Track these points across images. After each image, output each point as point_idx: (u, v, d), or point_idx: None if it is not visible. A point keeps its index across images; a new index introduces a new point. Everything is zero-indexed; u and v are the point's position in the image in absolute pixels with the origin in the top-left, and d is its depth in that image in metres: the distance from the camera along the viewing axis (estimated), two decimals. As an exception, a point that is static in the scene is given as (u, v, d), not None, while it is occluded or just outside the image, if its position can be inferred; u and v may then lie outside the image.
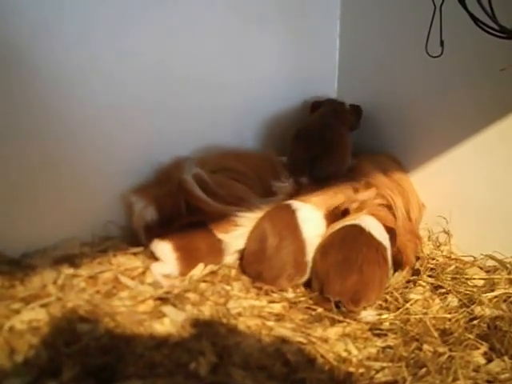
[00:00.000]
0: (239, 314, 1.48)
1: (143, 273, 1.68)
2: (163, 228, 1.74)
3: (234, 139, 2.16)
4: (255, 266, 1.72)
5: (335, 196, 1.87)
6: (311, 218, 1.78)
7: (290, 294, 1.67)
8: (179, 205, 1.76)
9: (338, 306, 1.56)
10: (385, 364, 1.32)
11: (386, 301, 1.67)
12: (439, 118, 2.06)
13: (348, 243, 1.67)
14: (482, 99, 1.89)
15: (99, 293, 1.53)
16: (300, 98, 2.38)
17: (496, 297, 1.68)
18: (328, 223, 1.81)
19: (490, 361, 1.38)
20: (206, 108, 2.05)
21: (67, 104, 1.72)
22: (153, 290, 1.56)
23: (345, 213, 1.83)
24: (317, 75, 2.44)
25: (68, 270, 1.62)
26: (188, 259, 1.72)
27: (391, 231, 1.78)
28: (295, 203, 1.81)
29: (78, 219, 1.83)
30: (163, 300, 1.52)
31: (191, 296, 1.56)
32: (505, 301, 1.66)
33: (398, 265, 1.83)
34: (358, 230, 1.71)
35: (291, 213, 1.76)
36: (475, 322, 1.55)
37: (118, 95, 1.81)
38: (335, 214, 1.82)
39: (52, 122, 1.70)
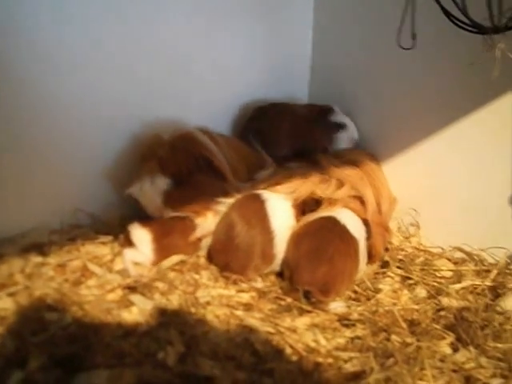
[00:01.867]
0: (208, 304, 1.47)
1: (112, 261, 1.66)
2: (181, 188, 1.76)
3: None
4: (222, 256, 1.71)
5: (304, 184, 1.87)
6: (280, 209, 1.78)
7: (259, 284, 1.67)
8: (189, 159, 1.77)
9: (307, 297, 1.56)
10: (353, 354, 1.32)
11: (355, 292, 1.69)
12: (410, 111, 2.09)
13: (321, 234, 1.68)
14: (453, 92, 1.91)
15: (67, 281, 1.51)
16: (273, 87, 2.40)
17: (463, 288, 1.72)
18: (297, 213, 1.80)
19: (456, 351, 1.40)
20: (178, 97, 2.05)
21: (35, 88, 1.68)
22: (121, 279, 1.55)
23: (318, 203, 1.83)
24: (290, 68, 2.46)
25: (36, 259, 1.60)
26: (164, 253, 1.70)
27: (367, 223, 1.80)
28: (264, 193, 1.80)
29: (46, 207, 1.80)
30: (132, 289, 1.50)
31: (160, 285, 1.54)
32: (471, 292, 1.70)
33: (367, 257, 1.84)
34: (333, 222, 1.72)
35: (260, 203, 1.75)
36: (442, 312, 1.58)
37: (87, 81, 1.79)
38: (306, 204, 1.82)
39: (19, 106, 1.67)
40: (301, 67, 2.50)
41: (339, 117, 2.29)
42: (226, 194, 1.79)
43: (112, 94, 1.86)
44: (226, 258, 1.69)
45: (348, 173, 1.98)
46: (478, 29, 1.47)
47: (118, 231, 1.78)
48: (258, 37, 2.27)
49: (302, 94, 2.54)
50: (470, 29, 1.50)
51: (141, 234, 1.69)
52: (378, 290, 1.68)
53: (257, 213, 1.73)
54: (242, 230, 1.69)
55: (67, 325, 1.29)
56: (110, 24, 1.80)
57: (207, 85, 2.14)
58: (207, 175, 1.80)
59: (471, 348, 1.40)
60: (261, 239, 1.70)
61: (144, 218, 1.75)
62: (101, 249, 1.72)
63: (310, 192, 1.84)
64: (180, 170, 1.75)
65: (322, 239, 1.66)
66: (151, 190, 1.74)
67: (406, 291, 1.71)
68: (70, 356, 1.18)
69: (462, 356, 1.37)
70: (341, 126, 2.28)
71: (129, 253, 1.67)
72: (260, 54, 2.31)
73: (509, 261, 1.84)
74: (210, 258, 1.78)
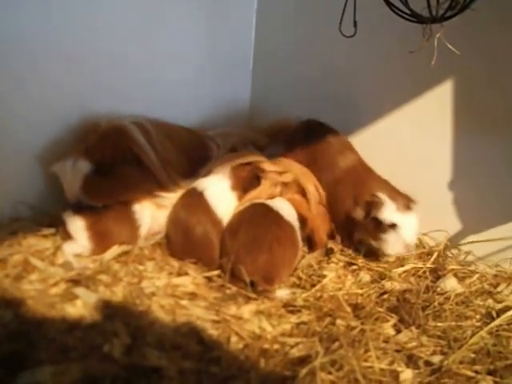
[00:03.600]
0: (153, 294, 1.46)
1: (54, 254, 1.62)
2: (103, 177, 1.71)
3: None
4: (187, 256, 1.70)
5: (242, 157, 1.90)
6: (220, 195, 1.79)
7: (204, 273, 1.66)
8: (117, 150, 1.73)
9: (252, 286, 1.57)
10: (299, 339, 1.35)
11: (300, 279, 1.71)
12: (350, 99, 2.12)
13: (256, 222, 1.69)
14: (393, 80, 1.96)
15: (8, 276, 1.47)
16: (215, 71, 2.38)
17: (405, 271, 1.77)
18: (239, 194, 1.83)
19: (398, 332, 1.46)
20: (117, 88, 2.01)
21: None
22: (64, 272, 1.51)
23: (258, 179, 1.85)
24: (233, 53, 2.45)
25: (-25, 254, 1.54)
26: (100, 239, 1.68)
27: (302, 218, 1.82)
28: (200, 183, 1.82)
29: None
30: (75, 282, 1.47)
31: (104, 277, 1.52)
32: (413, 275, 1.76)
33: (311, 245, 1.87)
34: (266, 208, 1.73)
35: (199, 195, 1.77)
36: (386, 296, 1.62)
37: (30, 69, 1.73)
38: (246, 180, 1.84)
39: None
40: (244, 55, 2.50)
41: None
42: (161, 188, 1.79)
43: (51, 84, 1.80)
44: (192, 257, 1.69)
45: (294, 164, 2.00)
46: (417, 18, 1.50)
47: (60, 223, 1.74)
48: (200, 23, 2.25)
49: (244, 81, 2.55)
50: (409, 18, 1.53)
51: (74, 222, 1.67)
52: (322, 276, 1.71)
53: (200, 206, 1.74)
54: (194, 228, 1.71)
55: (8, 321, 1.25)
56: (50, 14, 1.74)
57: (147, 74, 2.10)
58: (134, 169, 1.76)
59: (413, 328, 1.46)
60: (214, 230, 1.72)
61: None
62: (43, 242, 1.67)
63: (254, 166, 1.87)
64: (103, 158, 1.71)
65: (257, 227, 1.67)
66: (72, 172, 1.69)
67: (350, 276, 1.75)
68: (12, 354, 1.15)
69: (404, 336, 1.43)
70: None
71: (68, 246, 1.65)
72: (202, 41, 2.29)
73: (448, 243, 1.91)
74: (172, 255, 1.76)
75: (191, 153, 1.99)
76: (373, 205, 1.76)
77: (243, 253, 1.60)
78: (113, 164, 1.73)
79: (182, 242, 1.74)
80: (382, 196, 1.75)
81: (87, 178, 1.69)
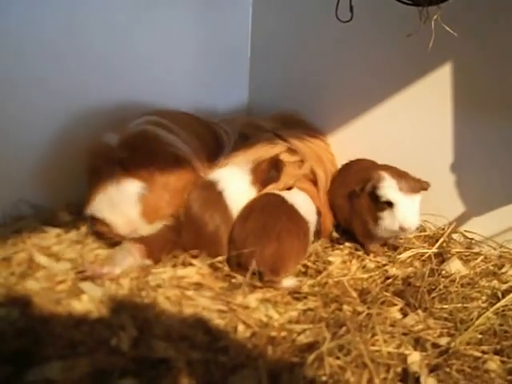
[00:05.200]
0: (158, 286, 1.46)
1: (59, 251, 1.62)
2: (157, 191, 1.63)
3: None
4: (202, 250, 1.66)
5: (261, 146, 1.88)
6: (240, 193, 1.74)
7: (208, 262, 1.63)
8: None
9: (257, 274, 1.56)
10: (306, 326, 1.35)
11: (306, 266, 1.71)
12: (348, 84, 2.12)
13: (268, 211, 1.66)
14: (391, 64, 1.95)
15: (14, 274, 1.47)
16: (212, 66, 2.37)
17: (410, 256, 1.77)
18: (258, 188, 1.79)
19: (405, 315, 1.46)
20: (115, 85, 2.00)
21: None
22: (69, 268, 1.52)
23: (278, 170, 1.83)
24: (230, 44, 2.44)
25: (-20, 253, 1.55)
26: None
27: (319, 211, 1.82)
28: (219, 176, 1.75)
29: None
30: (81, 277, 1.47)
31: (110, 271, 1.52)
32: (418, 259, 1.76)
33: (317, 234, 1.85)
34: (280, 200, 1.72)
35: (219, 193, 1.71)
36: (391, 280, 1.63)
37: (18, 64, 1.72)
38: (266, 173, 1.81)
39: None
40: (240, 49, 2.50)
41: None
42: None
43: (50, 83, 1.80)
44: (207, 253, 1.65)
45: (308, 149, 1.99)
46: (414, 1, 1.50)
47: (63, 220, 1.75)
48: (197, 16, 2.24)
49: (242, 65, 2.54)
50: (405, 1, 1.52)
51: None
52: (328, 263, 1.72)
53: (218, 204, 1.70)
54: (207, 226, 1.67)
55: (16, 319, 1.25)
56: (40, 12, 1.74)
57: (145, 71, 2.09)
58: (175, 171, 1.67)
59: (419, 311, 1.46)
60: (227, 229, 1.68)
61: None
62: (47, 239, 1.67)
63: (273, 158, 1.84)
64: (146, 169, 1.60)
65: (269, 216, 1.64)
66: (122, 199, 1.58)
67: (354, 261, 1.75)
68: (20, 351, 1.15)
69: (411, 319, 1.43)
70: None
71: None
72: (199, 34, 2.28)
73: (452, 227, 1.91)
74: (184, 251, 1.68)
75: (206, 141, 1.91)
76: (370, 178, 1.75)
77: (251, 240, 1.58)
78: (160, 173, 1.64)
79: (193, 238, 1.68)
80: (383, 173, 1.74)
81: (143, 197, 1.60)
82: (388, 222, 1.70)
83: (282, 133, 2.00)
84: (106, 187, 1.59)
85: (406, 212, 1.67)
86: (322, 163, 2.01)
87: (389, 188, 1.69)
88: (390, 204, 1.69)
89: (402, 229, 1.67)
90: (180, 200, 1.68)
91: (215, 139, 1.96)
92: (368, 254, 1.81)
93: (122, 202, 1.59)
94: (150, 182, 1.62)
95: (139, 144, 1.62)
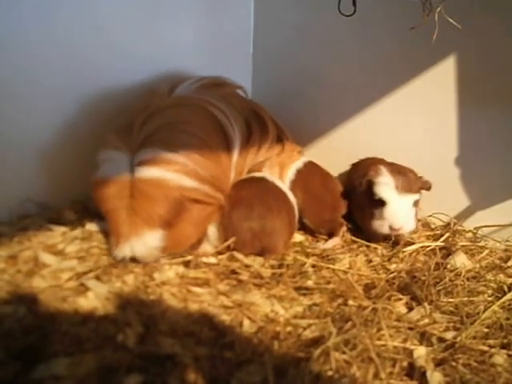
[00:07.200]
0: (163, 283, 1.46)
1: (64, 249, 1.62)
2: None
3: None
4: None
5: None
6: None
7: (212, 259, 1.64)
8: None
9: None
10: (311, 321, 1.35)
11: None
12: (350, 77, 2.12)
13: (261, 195, 1.73)
14: (394, 57, 1.95)
15: (20, 272, 1.47)
16: (214, 57, 2.37)
17: (415, 250, 1.77)
18: None
19: (411, 309, 1.46)
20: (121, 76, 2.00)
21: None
22: (75, 265, 1.52)
23: None
24: (232, 38, 2.44)
25: (-14, 252, 1.55)
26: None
27: None
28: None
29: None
30: (86, 274, 1.48)
31: (115, 268, 1.53)
32: (423, 253, 1.76)
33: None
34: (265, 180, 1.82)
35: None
36: (396, 274, 1.63)
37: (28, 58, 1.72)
38: None
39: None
40: (243, 41, 2.49)
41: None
42: None
43: (54, 79, 1.80)
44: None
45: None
46: (417, -7, 1.49)
47: (69, 218, 1.75)
48: (199, 8, 2.24)
49: (245, 61, 2.54)
50: (408, -6, 1.52)
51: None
52: (334, 259, 1.73)
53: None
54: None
55: (22, 316, 1.26)
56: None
57: (147, 61, 2.08)
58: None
59: (425, 305, 1.45)
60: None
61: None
62: (53, 238, 1.67)
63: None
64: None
65: (256, 199, 1.70)
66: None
67: (360, 256, 1.75)
68: (27, 348, 1.16)
69: (416, 314, 1.43)
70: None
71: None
72: (201, 27, 2.27)
73: (456, 221, 1.91)
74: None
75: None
76: (368, 172, 1.76)
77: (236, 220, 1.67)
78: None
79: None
80: (381, 169, 1.74)
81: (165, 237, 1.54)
82: (379, 221, 1.70)
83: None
84: (128, 237, 1.52)
85: (397, 212, 1.66)
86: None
87: (384, 185, 1.69)
88: (382, 202, 1.69)
89: (391, 229, 1.67)
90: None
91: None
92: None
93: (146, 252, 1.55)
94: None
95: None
